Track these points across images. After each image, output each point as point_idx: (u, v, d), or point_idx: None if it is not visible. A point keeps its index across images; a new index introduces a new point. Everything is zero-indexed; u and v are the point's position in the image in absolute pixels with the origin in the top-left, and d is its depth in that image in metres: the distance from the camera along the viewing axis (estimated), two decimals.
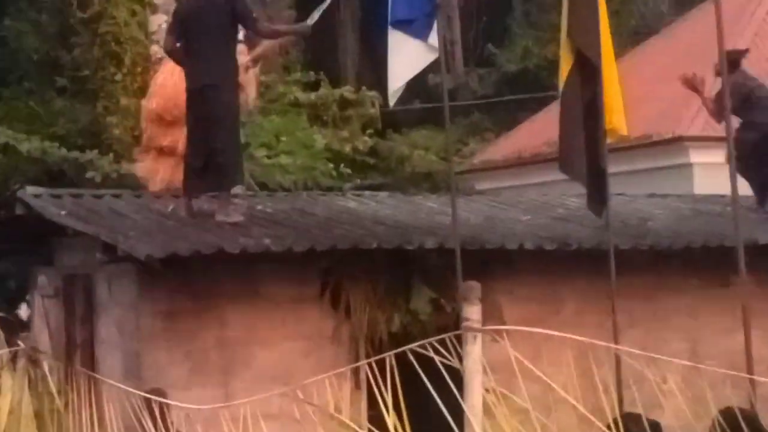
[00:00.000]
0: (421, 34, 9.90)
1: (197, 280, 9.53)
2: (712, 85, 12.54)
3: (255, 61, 11.69)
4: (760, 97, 12.53)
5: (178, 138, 11.10)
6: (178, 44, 10.32)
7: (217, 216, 10.14)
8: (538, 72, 25.95)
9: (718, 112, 11.85)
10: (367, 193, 12.91)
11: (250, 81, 11.65)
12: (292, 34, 12.40)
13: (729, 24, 17.35)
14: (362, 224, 10.62)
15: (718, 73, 12.16)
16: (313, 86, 21.82)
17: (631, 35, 25.99)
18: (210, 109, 10.06)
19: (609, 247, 9.95)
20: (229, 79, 10.10)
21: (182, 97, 10.44)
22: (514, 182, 19.62)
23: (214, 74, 10.03)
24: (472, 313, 9.42)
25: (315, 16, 10.95)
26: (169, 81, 11.30)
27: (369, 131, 20.87)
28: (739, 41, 19.70)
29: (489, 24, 30.67)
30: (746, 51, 13.20)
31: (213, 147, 10.09)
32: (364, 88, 21.39)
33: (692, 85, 12.33)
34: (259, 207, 11.02)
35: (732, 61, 11.92)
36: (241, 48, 11.39)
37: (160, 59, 15.39)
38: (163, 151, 11.46)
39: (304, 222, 10.62)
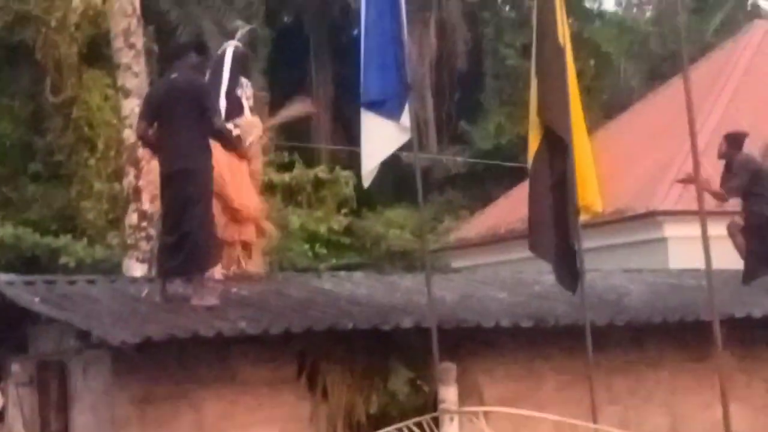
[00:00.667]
0: (394, 115, 9.92)
1: (172, 365, 9.45)
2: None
3: (267, 129, 11.91)
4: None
5: None
6: (150, 130, 10.35)
7: (192, 300, 10.09)
8: (512, 148, 26.09)
9: (728, 190, 12.77)
10: (342, 273, 12.88)
11: (255, 154, 11.73)
12: (291, 118, 12.25)
13: (700, 97, 17.54)
14: (338, 305, 10.58)
15: (721, 155, 12.62)
16: (288, 167, 21.88)
17: (604, 110, 26.21)
18: (182, 193, 10.06)
19: (585, 323, 9.92)
20: (201, 163, 10.11)
21: None
22: (489, 259, 19.62)
23: (185, 159, 10.06)
24: (449, 394, 9.45)
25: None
26: None
27: (344, 211, 20.91)
28: (710, 114, 19.91)
29: (462, 101, 30.89)
30: (747, 133, 13.73)
31: (186, 230, 10.06)
32: (338, 167, 21.47)
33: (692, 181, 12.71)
34: (234, 289, 10.96)
35: (737, 141, 13.02)
36: (254, 120, 11.63)
37: (133, 144, 15.48)
38: None
39: (280, 304, 10.56)
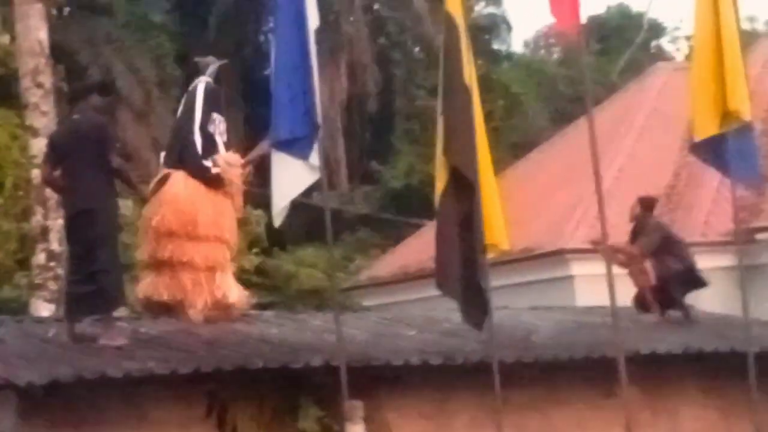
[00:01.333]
0: (303, 155, 9.99)
1: (80, 406, 9.34)
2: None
3: (246, 164, 11.80)
4: (675, 237, 14.06)
5: (192, 250, 11.25)
6: (55, 172, 10.33)
7: (100, 340, 10.03)
8: (423, 188, 26.27)
9: (644, 248, 13.27)
10: (252, 312, 12.85)
11: (237, 191, 11.73)
12: (257, 158, 12.16)
13: (606, 138, 17.82)
14: (248, 344, 10.56)
15: (633, 218, 13.52)
16: None
17: (513, 150, 26.51)
18: (86, 234, 10.07)
19: (493, 361, 10.01)
20: (104, 203, 10.10)
21: (195, 208, 10.95)
22: (401, 297, 19.73)
23: (89, 199, 10.05)
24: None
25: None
26: (182, 193, 11.24)
27: (255, 250, 20.85)
28: (616, 154, 20.25)
29: (373, 141, 31.09)
30: (657, 199, 14.89)
31: (93, 270, 10.02)
32: (249, 207, 21.42)
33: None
34: (143, 329, 10.90)
35: (648, 205, 13.79)
36: (233, 158, 11.63)
37: (41, 183, 15.32)
38: (172, 264, 11.40)
39: (189, 343, 10.49)
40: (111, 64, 26.24)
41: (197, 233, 11.24)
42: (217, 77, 12.25)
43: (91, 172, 10.08)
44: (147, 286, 11.56)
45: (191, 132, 11.49)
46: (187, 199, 11.22)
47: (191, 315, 11.31)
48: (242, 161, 11.80)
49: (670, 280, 13.41)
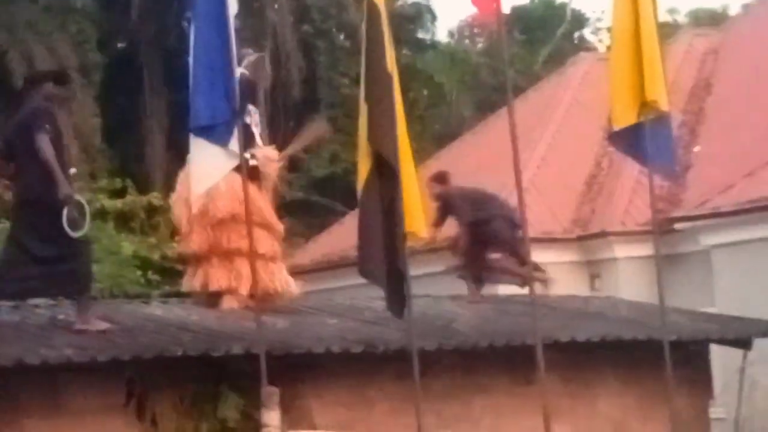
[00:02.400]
0: (222, 140, 9.94)
1: None
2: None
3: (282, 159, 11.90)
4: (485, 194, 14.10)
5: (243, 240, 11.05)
6: (10, 164, 10.21)
7: (77, 325, 10.01)
8: (346, 176, 26.30)
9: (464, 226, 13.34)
10: (173, 299, 12.79)
11: (273, 186, 11.85)
12: (309, 141, 11.80)
13: (528, 127, 17.95)
14: (168, 331, 10.48)
15: (436, 197, 13.41)
16: (120, 193, 21.62)
17: (436, 139, 26.61)
18: (35, 223, 9.98)
19: (413, 348, 10.04)
20: (49, 192, 9.91)
21: (253, 196, 10.81)
22: (323, 286, 19.70)
23: (29, 190, 9.97)
24: (271, 419, 9.51)
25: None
26: (237, 182, 10.88)
27: (178, 237, 20.73)
28: (539, 144, 20.40)
29: (296, 129, 30.91)
30: (448, 172, 14.32)
31: (60, 254, 9.95)
32: (172, 194, 21.28)
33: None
34: (61, 316, 10.78)
35: (444, 178, 13.66)
36: (271, 153, 11.62)
37: None
38: (229, 253, 11.40)
39: (108, 330, 10.42)
40: (31, 50, 25.90)
41: (257, 221, 11.07)
42: (255, 69, 12.11)
43: (33, 161, 9.90)
44: (201, 276, 11.57)
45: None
46: (242, 188, 10.93)
47: (226, 302, 11.35)
48: (279, 156, 11.91)
49: (489, 242, 13.39)
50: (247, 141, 11.28)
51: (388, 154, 9.91)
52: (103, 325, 10.03)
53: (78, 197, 10.09)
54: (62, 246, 9.93)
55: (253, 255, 10.58)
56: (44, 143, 9.85)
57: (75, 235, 9.82)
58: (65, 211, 9.76)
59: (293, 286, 11.82)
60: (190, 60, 10.00)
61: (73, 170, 10.44)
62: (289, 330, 10.99)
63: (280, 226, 11.79)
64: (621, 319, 13.21)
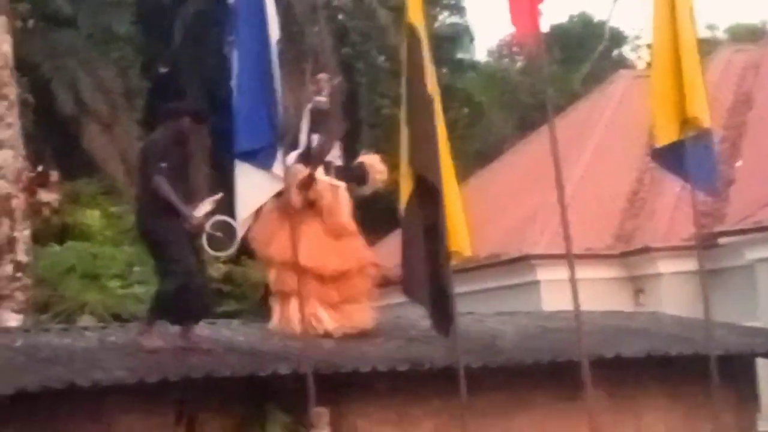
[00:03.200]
0: (267, 164, 10.06)
1: (47, 415, 9.36)
2: None
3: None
4: None
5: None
6: None
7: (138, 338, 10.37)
8: (388, 196, 26.32)
9: None
10: (220, 320, 12.89)
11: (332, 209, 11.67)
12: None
13: (568, 145, 17.97)
14: (215, 352, 10.60)
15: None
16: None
17: (476, 158, 26.64)
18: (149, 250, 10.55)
19: (459, 366, 10.10)
20: (153, 223, 10.27)
21: None
22: None
23: (143, 220, 10.46)
24: None
25: (203, 208, 10.87)
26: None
27: (222, 259, 20.88)
28: (578, 161, 20.42)
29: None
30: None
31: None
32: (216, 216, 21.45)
33: None
34: (112, 338, 10.93)
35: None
36: (299, 168, 11.50)
37: (7, 194, 15.36)
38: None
39: (157, 351, 10.54)
40: (75, 76, 26.16)
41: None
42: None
43: (146, 192, 10.27)
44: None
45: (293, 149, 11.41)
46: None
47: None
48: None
49: None
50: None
51: (431, 175, 9.99)
52: (156, 344, 10.20)
53: (225, 218, 10.36)
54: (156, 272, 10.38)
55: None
56: (159, 183, 10.10)
57: (220, 254, 10.09)
58: (205, 235, 10.10)
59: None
60: (233, 85, 10.13)
61: (218, 195, 10.61)
62: (335, 349, 11.07)
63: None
64: (666, 335, 13.19)
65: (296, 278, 10.78)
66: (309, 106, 11.75)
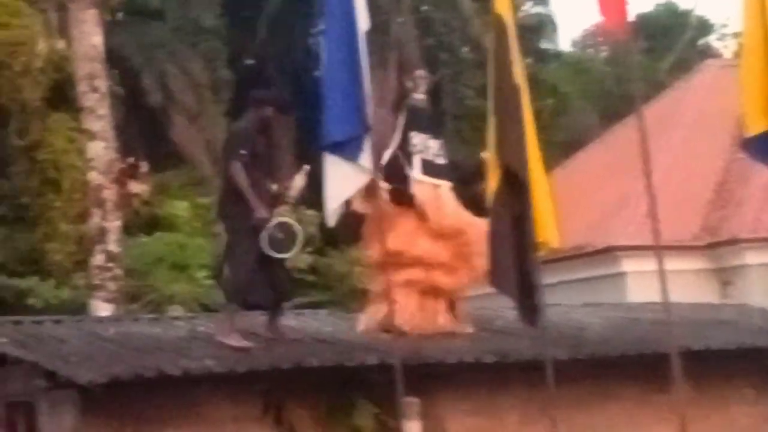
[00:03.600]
0: (354, 156, 10.10)
1: (139, 404, 9.52)
2: None
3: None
4: None
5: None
6: None
7: (217, 335, 10.34)
8: (472, 187, 26.26)
9: None
10: (307, 311, 12.99)
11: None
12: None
13: (654, 135, 17.82)
14: (303, 342, 10.70)
15: None
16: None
17: (561, 149, 26.48)
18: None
19: (546, 358, 10.08)
20: (227, 209, 10.43)
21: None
22: None
23: (225, 206, 10.57)
24: (412, 429, 9.59)
25: (297, 182, 10.87)
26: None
27: (308, 249, 21.00)
28: (665, 151, 20.22)
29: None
30: None
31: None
32: (302, 207, 21.57)
33: None
34: (201, 328, 11.07)
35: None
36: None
37: (99, 185, 15.60)
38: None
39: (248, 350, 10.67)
40: (163, 68, 26.46)
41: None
42: (434, 93, 12.08)
43: (225, 178, 10.41)
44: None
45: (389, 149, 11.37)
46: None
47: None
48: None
49: None
50: (401, 167, 11.33)
51: (518, 166, 9.97)
52: (242, 343, 10.17)
53: (285, 219, 10.36)
54: (227, 257, 10.35)
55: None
56: (236, 170, 10.15)
57: (279, 256, 10.09)
58: (265, 233, 10.05)
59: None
60: (322, 76, 10.17)
61: (306, 167, 10.66)
62: (422, 340, 11.11)
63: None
64: (755, 327, 13.07)
65: (386, 276, 10.80)
66: (406, 103, 11.65)
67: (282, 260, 10.38)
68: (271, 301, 10.51)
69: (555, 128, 30.11)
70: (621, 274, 17.87)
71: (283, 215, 10.54)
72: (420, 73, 12.08)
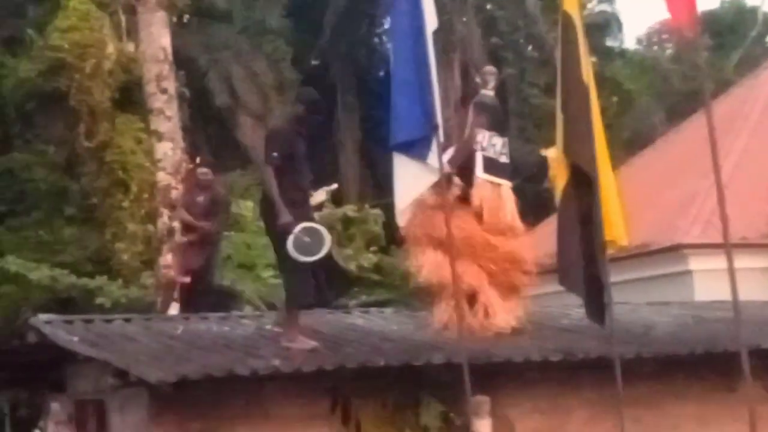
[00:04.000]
0: (423, 155, 10.11)
1: (207, 402, 9.59)
2: None
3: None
4: None
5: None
6: None
7: (282, 341, 10.31)
8: (537, 185, 26.20)
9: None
10: (373, 309, 13.02)
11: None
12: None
13: (721, 132, 17.67)
14: (369, 341, 10.72)
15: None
16: (316, 206, 22.03)
17: (626, 147, 26.34)
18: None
19: (614, 356, 10.05)
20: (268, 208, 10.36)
21: None
22: None
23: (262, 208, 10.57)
24: (483, 427, 9.59)
25: (318, 196, 10.73)
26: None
27: (373, 248, 21.05)
28: (732, 149, 20.06)
29: None
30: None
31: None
32: (366, 206, 21.64)
33: None
34: (268, 326, 11.14)
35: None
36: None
37: (167, 186, 15.74)
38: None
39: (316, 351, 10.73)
40: (229, 69, 26.65)
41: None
42: (499, 92, 11.84)
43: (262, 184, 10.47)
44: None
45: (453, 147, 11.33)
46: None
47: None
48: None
49: None
50: (468, 163, 11.27)
51: (586, 163, 9.94)
52: (309, 344, 10.17)
53: (311, 224, 10.24)
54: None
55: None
56: (266, 174, 10.14)
57: (305, 260, 10.01)
58: (291, 238, 9.98)
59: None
60: (391, 73, 10.16)
61: (333, 186, 10.61)
62: (488, 338, 11.10)
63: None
64: None
65: (444, 272, 10.79)
66: (474, 99, 11.62)
67: (324, 262, 10.25)
68: (316, 303, 10.47)
69: (620, 126, 29.97)
70: (688, 273, 17.69)
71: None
72: (489, 69, 12.04)
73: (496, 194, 11.37)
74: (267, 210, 10.29)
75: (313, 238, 10.08)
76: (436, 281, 11.24)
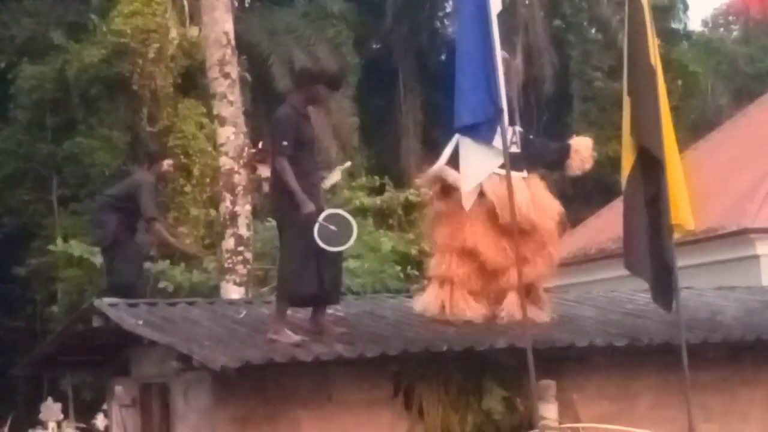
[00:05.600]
0: (487, 139, 10.04)
1: (270, 387, 9.62)
2: None
3: None
4: None
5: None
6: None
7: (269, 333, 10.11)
8: (600, 169, 26.00)
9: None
10: None
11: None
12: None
13: None
14: (432, 326, 10.68)
15: None
16: (378, 190, 22.05)
17: (692, 130, 26.10)
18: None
19: (681, 341, 9.94)
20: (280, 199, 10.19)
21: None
22: (581, 279, 19.59)
23: (274, 200, 10.36)
24: (549, 411, 9.53)
25: (333, 177, 10.56)
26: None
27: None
28: None
29: (549, 123, 30.94)
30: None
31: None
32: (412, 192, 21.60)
33: None
34: (330, 311, 11.13)
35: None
36: (584, 142, 11.44)
37: (230, 170, 15.77)
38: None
39: (375, 325, 10.70)
40: (291, 54, 26.68)
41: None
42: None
43: (273, 172, 10.08)
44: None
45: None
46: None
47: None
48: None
49: None
50: None
51: (653, 146, 9.83)
52: (294, 338, 9.78)
53: (336, 210, 10.10)
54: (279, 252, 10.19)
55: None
56: (280, 166, 9.82)
57: (333, 249, 9.84)
58: (317, 227, 9.72)
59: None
60: (456, 56, 10.09)
61: (347, 164, 10.41)
62: (552, 323, 11.03)
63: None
64: None
65: (453, 264, 10.72)
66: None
67: (336, 255, 10.05)
68: (317, 298, 10.17)
69: (686, 109, 29.70)
70: (755, 257, 17.51)
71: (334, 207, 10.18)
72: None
73: (504, 187, 10.60)
74: (281, 201, 9.98)
75: (339, 226, 9.83)
76: (434, 272, 11.11)
